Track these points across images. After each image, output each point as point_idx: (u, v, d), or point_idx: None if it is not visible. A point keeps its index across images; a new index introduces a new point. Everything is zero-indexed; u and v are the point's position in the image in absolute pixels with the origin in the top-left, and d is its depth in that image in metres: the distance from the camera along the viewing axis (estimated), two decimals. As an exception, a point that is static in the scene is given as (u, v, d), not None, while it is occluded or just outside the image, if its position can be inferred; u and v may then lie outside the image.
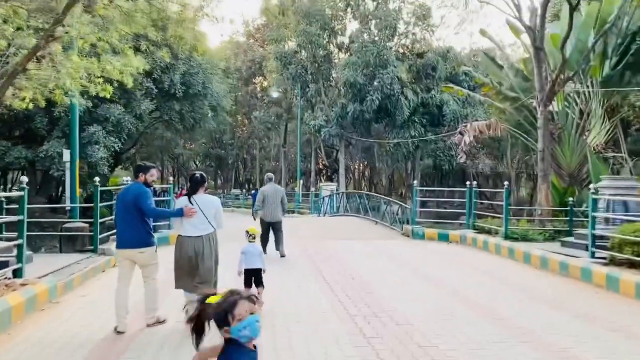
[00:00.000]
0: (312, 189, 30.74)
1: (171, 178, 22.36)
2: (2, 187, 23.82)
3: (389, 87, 27.58)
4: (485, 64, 16.76)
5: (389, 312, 6.61)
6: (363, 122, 30.08)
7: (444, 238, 14.51)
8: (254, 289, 6.54)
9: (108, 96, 8.98)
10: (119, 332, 5.56)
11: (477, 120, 20.47)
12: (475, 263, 10.77)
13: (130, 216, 5.69)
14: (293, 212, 30.25)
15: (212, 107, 23.46)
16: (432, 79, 30.17)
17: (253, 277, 6.66)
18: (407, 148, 29.47)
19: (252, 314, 2.26)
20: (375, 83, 27.74)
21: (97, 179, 10.27)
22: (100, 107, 16.17)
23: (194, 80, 19.99)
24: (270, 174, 11.98)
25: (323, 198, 25.18)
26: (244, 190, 46.80)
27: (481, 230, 14.34)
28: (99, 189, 10.40)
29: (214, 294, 2.35)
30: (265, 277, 6.84)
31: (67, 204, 11.21)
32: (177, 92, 19.39)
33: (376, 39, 29.27)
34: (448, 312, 6.66)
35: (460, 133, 17.05)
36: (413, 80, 29.92)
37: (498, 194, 37.36)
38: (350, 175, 49.10)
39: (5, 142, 16.30)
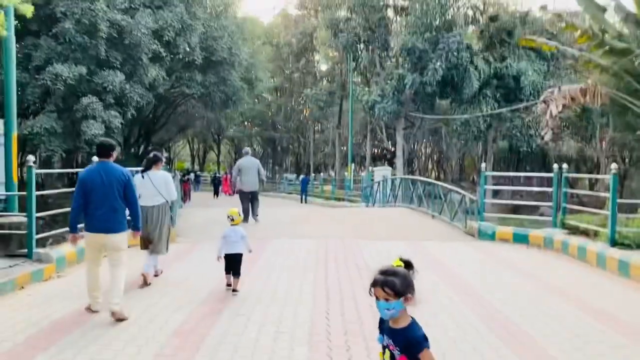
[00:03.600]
0: (363, 174, 27.07)
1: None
2: None
3: (455, 54, 23.42)
4: (583, 5, 12.38)
5: None
6: (425, 97, 26.07)
7: (521, 239, 10.78)
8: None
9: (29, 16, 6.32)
10: (93, 311, 5.42)
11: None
12: (575, 287, 7.06)
13: (110, 198, 5.37)
14: (342, 199, 26.95)
15: (247, 80, 20.37)
16: (507, 46, 25.70)
17: (233, 261, 6.31)
18: (477, 127, 25.26)
19: None
20: (439, 49, 23.63)
21: (31, 157, 7.46)
22: (97, 74, 13.49)
23: (217, 45, 16.92)
24: (247, 149, 13.30)
25: (372, 185, 21.57)
26: (297, 175, 43.86)
27: (574, 231, 10.53)
28: (34, 171, 7.63)
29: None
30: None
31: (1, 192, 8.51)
32: (196, 58, 16.42)
33: (440, -3, 24.92)
34: None
35: (545, 102, 12.96)
36: (485, 48, 25.56)
37: (592, 182, 32.40)
38: (415, 160, 45.10)
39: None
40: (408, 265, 2.48)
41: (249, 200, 12.09)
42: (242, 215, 6.67)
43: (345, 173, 30.33)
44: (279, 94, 43.90)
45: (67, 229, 6.89)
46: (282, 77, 42.05)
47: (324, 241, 10.34)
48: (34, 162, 7.42)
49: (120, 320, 5.22)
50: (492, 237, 11.18)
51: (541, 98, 13.50)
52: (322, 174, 38.96)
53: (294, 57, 39.52)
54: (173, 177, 7.69)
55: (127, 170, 5.67)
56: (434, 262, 8.72)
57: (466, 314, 5.65)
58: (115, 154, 5.61)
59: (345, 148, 38.20)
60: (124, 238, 5.55)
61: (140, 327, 5.00)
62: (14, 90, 8.32)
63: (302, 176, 33.92)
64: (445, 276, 7.56)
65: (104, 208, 5.32)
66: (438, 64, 23.69)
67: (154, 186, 6.82)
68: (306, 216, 14.90)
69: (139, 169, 7.36)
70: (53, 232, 8.43)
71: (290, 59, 40.04)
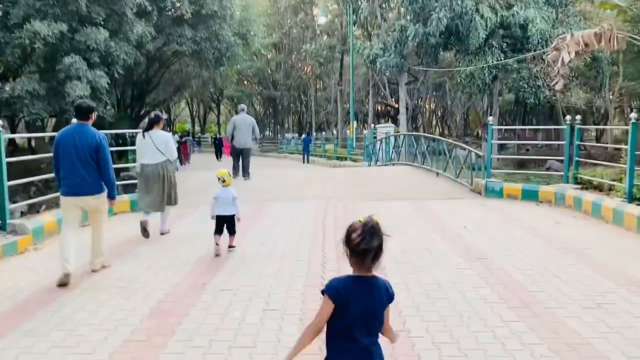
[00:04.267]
0: (365, 132, 26.26)
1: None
2: None
3: (459, 2, 22.26)
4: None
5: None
6: (428, 49, 24.98)
7: (530, 196, 10.24)
8: (225, 236, 6.28)
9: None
10: (63, 285, 5.08)
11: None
12: (592, 247, 6.51)
13: (86, 161, 5.32)
14: (345, 158, 26.31)
15: (240, 35, 19.40)
16: (514, -8, 24.41)
17: (225, 223, 6.25)
18: (482, 79, 24.25)
19: None
20: (442, -3, 22.47)
21: (-1, 121, 6.88)
22: (79, 32, 12.67)
23: (206, -3, 15.91)
24: (242, 105, 13.16)
25: (374, 143, 20.85)
26: (298, 135, 42.94)
27: (586, 185, 9.98)
28: (3, 136, 7.08)
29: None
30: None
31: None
32: (184, 12, 15.49)
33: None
34: None
35: (556, 49, 12.15)
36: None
37: (598, 134, 31.44)
38: (419, 116, 44.14)
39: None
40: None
41: (239, 156, 12.29)
42: (232, 176, 6.56)
43: (348, 131, 29.55)
44: (278, 51, 42.60)
45: (50, 196, 6.64)
46: (281, 32, 40.74)
47: (324, 203, 9.82)
48: (3, 127, 6.85)
49: (105, 267, 5.64)
50: (499, 194, 10.65)
51: (552, 45, 12.68)
52: (324, 132, 38.15)
53: (291, 10, 38.06)
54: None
55: (102, 133, 5.52)
56: (438, 222, 8.21)
57: (474, 282, 5.14)
58: (94, 116, 5.52)
59: (347, 105, 37.32)
60: (101, 200, 5.52)
61: (114, 308, 4.51)
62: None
63: (304, 135, 33.20)
64: (450, 238, 7.05)
65: (75, 171, 5.30)
66: (442, 13, 22.52)
67: (154, 145, 6.95)
68: (307, 177, 14.34)
69: (134, 130, 7.62)
70: (30, 200, 7.93)
71: (288, 13, 38.57)
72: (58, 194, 5.63)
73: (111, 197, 5.59)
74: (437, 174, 13.48)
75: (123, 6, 13.59)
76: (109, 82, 13.71)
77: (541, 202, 9.99)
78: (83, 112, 5.41)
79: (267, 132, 55.29)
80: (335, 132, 40.30)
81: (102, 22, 13.56)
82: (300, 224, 8.10)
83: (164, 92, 26.80)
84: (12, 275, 5.60)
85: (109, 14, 13.78)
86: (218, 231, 6.22)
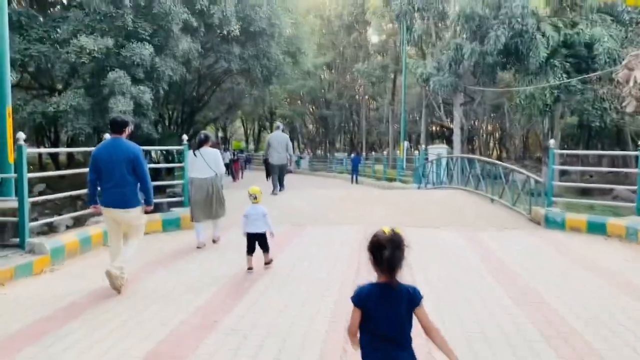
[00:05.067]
0: (416, 152, 25.31)
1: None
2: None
3: (519, 20, 21.20)
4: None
5: None
6: (485, 69, 23.95)
7: (597, 229, 9.13)
8: (258, 257, 6.23)
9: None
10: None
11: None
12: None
13: (120, 174, 5.49)
14: (394, 180, 25.42)
15: (290, 54, 19.12)
16: (579, 10, 23.11)
17: (257, 240, 6.24)
18: (543, 100, 22.96)
19: None
20: (501, 15, 21.46)
21: (21, 135, 6.65)
22: (125, 47, 12.66)
23: (255, 15, 15.71)
24: (278, 123, 13.98)
25: (424, 164, 19.96)
26: (348, 154, 42.29)
27: (663, 219, 8.83)
28: (26, 150, 6.82)
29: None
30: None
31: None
32: (232, 29, 15.32)
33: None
34: None
35: (628, 67, 11.08)
36: (553, 13, 23.10)
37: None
38: (476, 138, 42.70)
39: (23, 93, 13.44)
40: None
41: (277, 172, 12.68)
42: (273, 193, 7.13)
43: (397, 151, 28.67)
44: (331, 70, 42.44)
45: (68, 215, 6.36)
46: (334, 52, 40.67)
47: (364, 230, 9.11)
48: (25, 141, 6.59)
49: (114, 288, 5.33)
50: (561, 225, 9.59)
51: (623, 63, 11.61)
52: (373, 153, 37.43)
53: (345, 30, 37.76)
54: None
55: (138, 147, 5.72)
56: (489, 255, 7.34)
57: (527, 332, 4.32)
58: (128, 130, 5.72)
59: (397, 126, 36.52)
60: (136, 213, 5.67)
61: (107, 348, 3.99)
62: (7, 57, 7.50)
63: (352, 155, 32.58)
64: (502, 275, 6.20)
65: (113, 183, 5.49)
66: (500, 31, 21.55)
67: (205, 162, 7.61)
68: (351, 198, 13.68)
69: (180, 147, 8.63)
70: (48, 219, 7.65)
71: (342, 32, 38.32)
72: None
73: (148, 203, 5.84)
74: (492, 200, 12.51)
75: (170, 22, 13.57)
76: (153, 97, 13.67)
77: (609, 236, 8.90)
78: (118, 126, 5.62)
79: (318, 152, 55.04)
80: (386, 152, 39.56)
81: (148, 37, 13.57)
82: (336, 250, 7.48)
83: (217, 110, 26.92)
84: (16, 300, 5.22)
85: (155, 29, 13.79)
86: (250, 251, 6.23)
